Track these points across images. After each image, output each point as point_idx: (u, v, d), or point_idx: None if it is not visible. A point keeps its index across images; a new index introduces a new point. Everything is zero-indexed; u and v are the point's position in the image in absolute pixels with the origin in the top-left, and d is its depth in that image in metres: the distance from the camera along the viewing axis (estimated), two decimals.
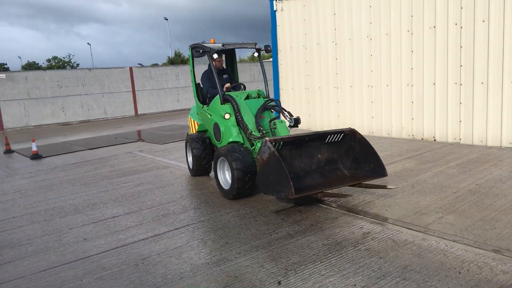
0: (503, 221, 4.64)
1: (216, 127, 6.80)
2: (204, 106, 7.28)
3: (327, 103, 11.90)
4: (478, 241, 4.18)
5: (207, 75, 7.31)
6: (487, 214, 4.85)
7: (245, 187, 5.96)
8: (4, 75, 19.86)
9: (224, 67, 7.80)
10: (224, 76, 7.45)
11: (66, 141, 14.28)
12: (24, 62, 75.41)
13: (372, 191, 5.98)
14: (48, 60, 69.65)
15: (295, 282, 3.60)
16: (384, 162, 7.64)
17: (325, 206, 5.53)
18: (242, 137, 6.45)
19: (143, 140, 13.05)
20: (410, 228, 4.60)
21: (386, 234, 4.50)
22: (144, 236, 4.89)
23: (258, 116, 6.33)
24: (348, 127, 6.09)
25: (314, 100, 12.27)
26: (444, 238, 4.29)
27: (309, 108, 12.45)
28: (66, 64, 67.08)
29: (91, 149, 11.96)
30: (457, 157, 7.75)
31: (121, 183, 7.57)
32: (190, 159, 7.71)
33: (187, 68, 24.61)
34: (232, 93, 6.70)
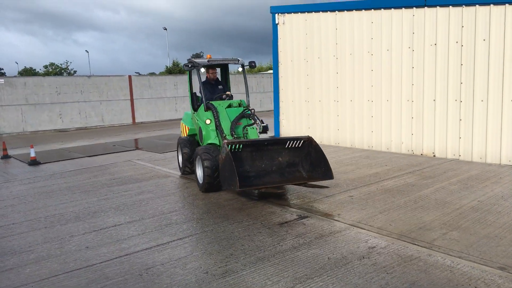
0: (508, 238, 4.66)
1: (200, 130, 7.80)
2: (195, 112, 8.15)
3: (327, 116, 11.96)
4: (484, 258, 4.19)
5: (202, 85, 7.98)
6: (491, 231, 4.87)
7: (213, 182, 6.88)
8: (2, 80, 19.79)
9: (219, 79, 8.66)
10: (219, 87, 8.31)
11: (64, 147, 14.19)
12: (21, 67, 75.17)
13: (375, 205, 5.99)
14: (46, 67, 69.50)
15: None
16: (386, 177, 7.74)
17: (328, 219, 5.53)
18: (219, 140, 7.28)
19: (141, 149, 13.01)
20: (415, 244, 4.60)
21: (391, 249, 4.49)
22: (147, 246, 4.85)
23: (234, 123, 7.23)
24: (306, 135, 6.91)
25: (315, 113, 12.33)
26: (450, 255, 4.29)
27: (309, 121, 12.50)
28: (63, 71, 67.03)
29: (90, 156, 11.89)
30: (458, 173, 7.80)
31: (121, 191, 7.52)
32: (180, 159, 8.59)
33: (185, 78, 24.67)
34: (215, 102, 7.60)
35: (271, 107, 28.68)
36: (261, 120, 7.39)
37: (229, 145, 6.20)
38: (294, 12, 12.50)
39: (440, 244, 4.57)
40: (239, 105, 7.66)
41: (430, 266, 4.05)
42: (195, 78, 8.30)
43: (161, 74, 47.23)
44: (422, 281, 3.75)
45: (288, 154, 6.81)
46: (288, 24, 12.81)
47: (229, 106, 7.55)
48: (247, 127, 7.28)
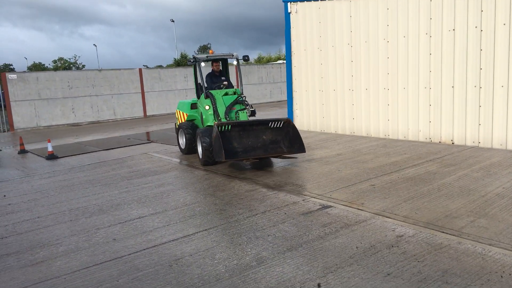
0: None
1: (201, 115, 9.20)
2: (199, 100, 9.53)
3: (342, 105, 11.87)
4: None
5: (204, 77, 9.32)
6: None
7: (210, 157, 8.24)
8: (15, 75, 19.93)
9: (222, 71, 9.97)
10: (222, 78, 9.54)
11: (79, 141, 14.30)
12: (30, 63, 75.67)
13: (398, 194, 5.95)
14: (54, 61, 69.90)
15: (335, 285, 3.57)
16: (406, 165, 7.72)
17: (352, 208, 5.50)
18: None
19: (156, 142, 13.06)
20: (443, 232, 4.56)
21: (419, 237, 4.46)
22: (174, 237, 4.88)
23: (228, 108, 8.61)
24: (285, 117, 8.38)
25: (329, 103, 12.24)
26: (480, 242, 4.25)
27: (323, 111, 12.42)
28: (72, 65, 67.33)
29: (106, 150, 11.97)
30: (479, 160, 7.70)
31: (141, 184, 7.56)
32: (182, 141, 9.96)
33: None
34: (213, 91, 8.91)
35: (281, 97, 28.71)
36: (251, 105, 8.97)
37: (218, 126, 7.62)
38: (307, 0, 12.36)
39: (469, 231, 4.53)
40: (234, 93, 8.98)
41: (461, 254, 4.02)
42: (204, 71, 9.57)
43: (169, 66, 47.24)
44: (455, 269, 3.72)
45: (271, 133, 8.18)
46: (301, 12, 12.68)
47: (226, 94, 8.88)
48: (239, 111, 8.71)
